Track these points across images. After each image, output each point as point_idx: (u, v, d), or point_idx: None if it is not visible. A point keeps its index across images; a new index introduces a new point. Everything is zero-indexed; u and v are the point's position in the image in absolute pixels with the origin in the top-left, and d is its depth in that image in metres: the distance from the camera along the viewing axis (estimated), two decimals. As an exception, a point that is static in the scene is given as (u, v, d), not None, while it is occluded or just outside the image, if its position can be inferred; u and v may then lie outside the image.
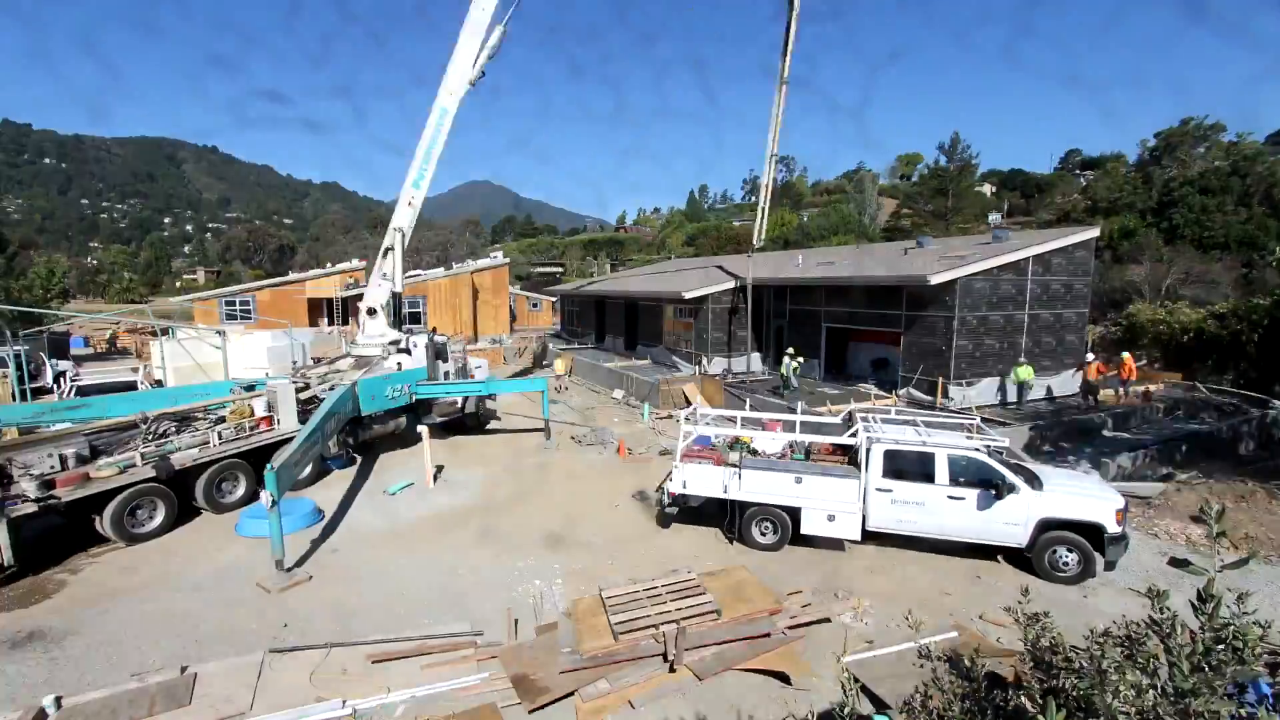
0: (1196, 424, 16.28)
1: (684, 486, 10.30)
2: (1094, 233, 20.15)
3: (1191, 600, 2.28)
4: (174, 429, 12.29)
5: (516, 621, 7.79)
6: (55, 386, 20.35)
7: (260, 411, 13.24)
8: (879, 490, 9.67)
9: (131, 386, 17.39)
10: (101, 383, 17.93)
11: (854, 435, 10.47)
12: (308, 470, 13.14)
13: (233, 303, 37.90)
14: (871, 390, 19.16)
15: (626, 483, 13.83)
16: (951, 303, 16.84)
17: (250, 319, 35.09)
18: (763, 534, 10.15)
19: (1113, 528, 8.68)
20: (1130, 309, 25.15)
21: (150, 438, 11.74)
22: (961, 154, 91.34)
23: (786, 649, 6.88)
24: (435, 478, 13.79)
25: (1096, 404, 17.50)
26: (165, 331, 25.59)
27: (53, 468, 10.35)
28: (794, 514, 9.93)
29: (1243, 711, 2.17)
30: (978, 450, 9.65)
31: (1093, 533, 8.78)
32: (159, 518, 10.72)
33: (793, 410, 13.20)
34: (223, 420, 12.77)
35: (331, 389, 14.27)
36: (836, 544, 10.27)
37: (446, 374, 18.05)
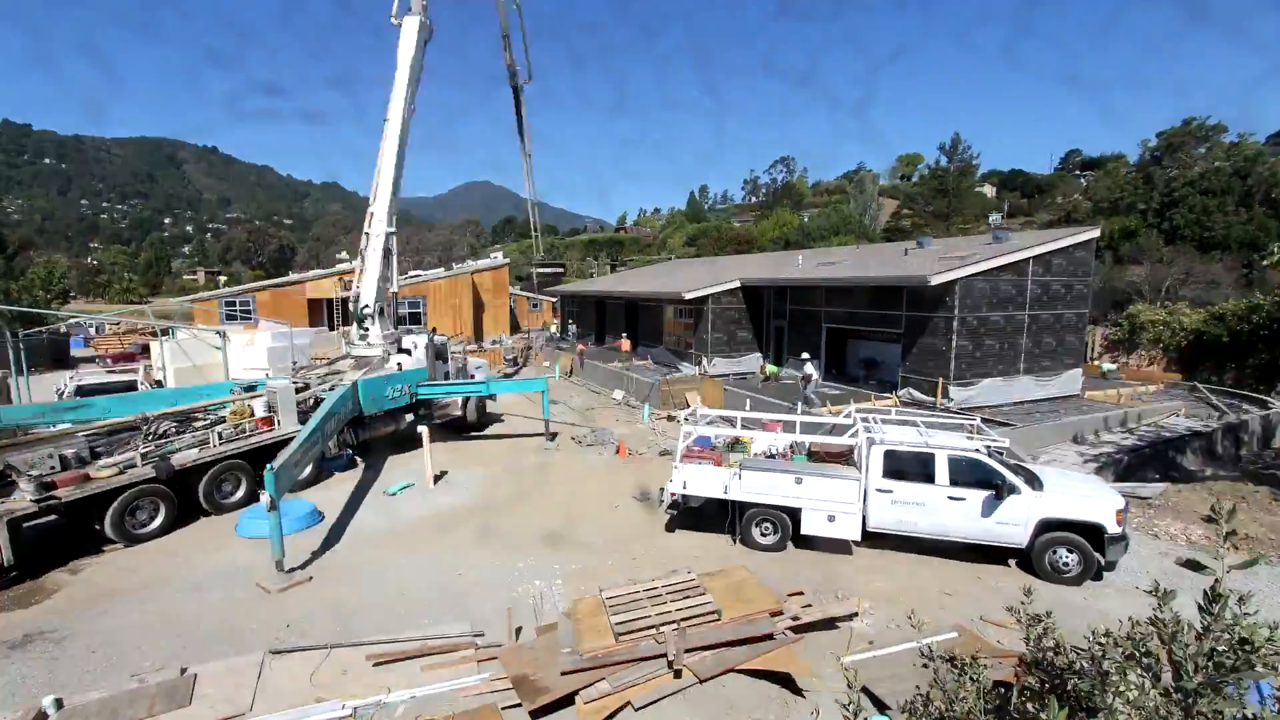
0: (1198, 424, 16.27)
1: (684, 487, 10.30)
2: (1094, 233, 20.15)
3: (1198, 601, 2.27)
4: (174, 429, 12.28)
5: (519, 629, 7.77)
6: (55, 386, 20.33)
7: (260, 412, 13.23)
8: (879, 491, 9.66)
9: (131, 387, 17.38)
10: (102, 383, 17.91)
11: (854, 436, 10.45)
12: (308, 470, 13.13)
13: (233, 303, 37.89)
14: (871, 391, 19.15)
15: (627, 483, 13.83)
16: (952, 303, 16.84)
17: (250, 319, 35.07)
18: (763, 534, 10.14)
19: (1113, 528, 8.67)
20: (1131, 309, 25.14)
21: (150, 438, 11.73)
22: (962, 154, 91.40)
23: (787, 649, 6.87)
24: (436, 479, 13.78)
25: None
26: (165, 332, 25.59)
27: (53, 468, 10.35)
28: (794, 514, 9.92)
29: (1247, 713, 2.16)
30: (978, 451, 9.63)
31: (1093, 533, 8.76)
32: (160, 519, 10.72)
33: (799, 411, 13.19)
34: (222, 421, 12.75)
35: (331, 389, 14.26)
36: (837, 545, 10.27)
37: (446, 374, 18.05)
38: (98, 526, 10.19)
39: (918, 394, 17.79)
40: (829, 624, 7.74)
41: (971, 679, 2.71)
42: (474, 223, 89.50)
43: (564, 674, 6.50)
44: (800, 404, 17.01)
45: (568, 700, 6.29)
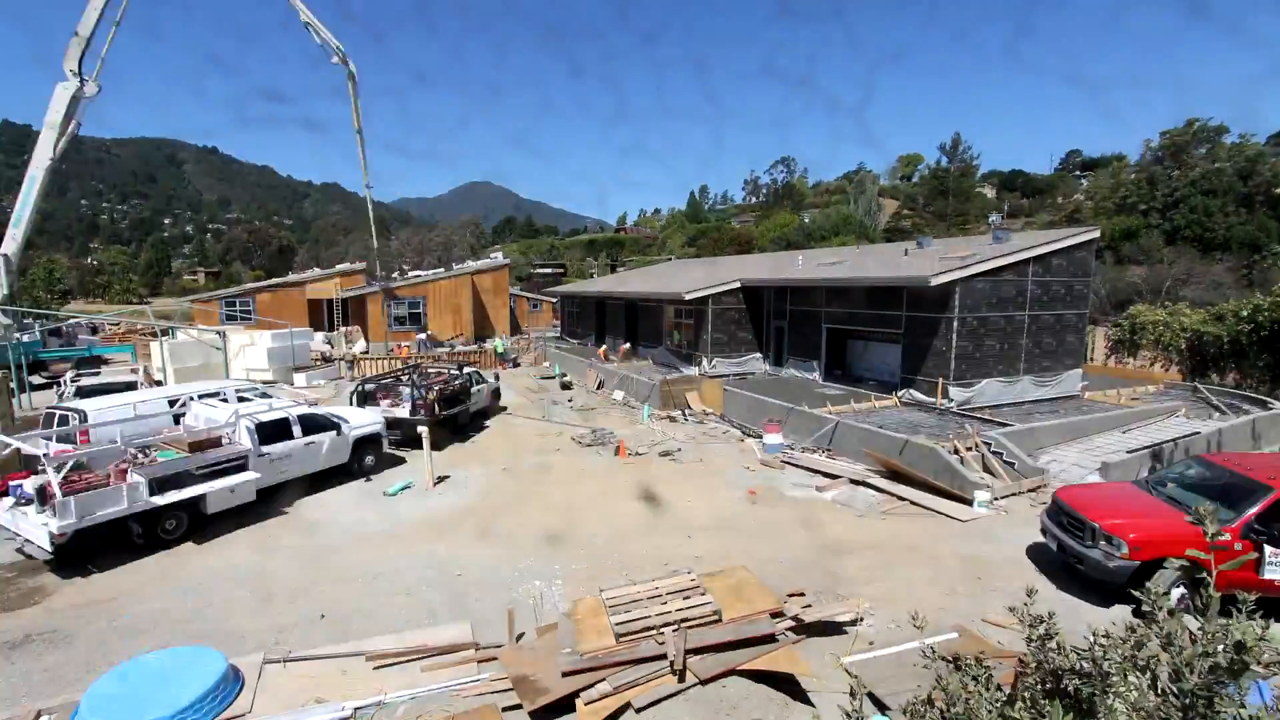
0: (1199, 425, 16.26)
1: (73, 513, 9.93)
2: (1094, 233, 20.15)
3: (1195, 601, 2.27)
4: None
5: (521, 633, 7.77)
6: (56, 385, 20.37)
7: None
8: (259, 455, 12.07)
9: (131, 387, 17.37)
10: (102, 383, 17.90)
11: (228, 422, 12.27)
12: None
13: (233, 303, 37.89)
14: (870, 392, 19.15)
15: (627, 483, 13.84)
16: (952, 303, 16.83)
17: (250, 320, 35.08)
18: (178, 526, 10.71)
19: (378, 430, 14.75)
20: (1131, 310, 25.14)
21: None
22: (962, 155, 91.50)
23: (788, 650, 6.87)
24: (436, 481, 13.78)
25: None
26: (166, 332, 25.59)
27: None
28: (199, 501, 10.85)
29: (1245, 713, 2.16)
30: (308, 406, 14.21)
31: (375, 438, 14.59)
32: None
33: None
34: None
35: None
36: (837, 544, 10.27)
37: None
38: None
39: (918, 394, 17.79)
40: (836, 629, 7.69)
41: (975, 678, 2.70)
42: (474, 223, 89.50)
43: (564, 674, 6.50)
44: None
45: (568, 701, 6.29)
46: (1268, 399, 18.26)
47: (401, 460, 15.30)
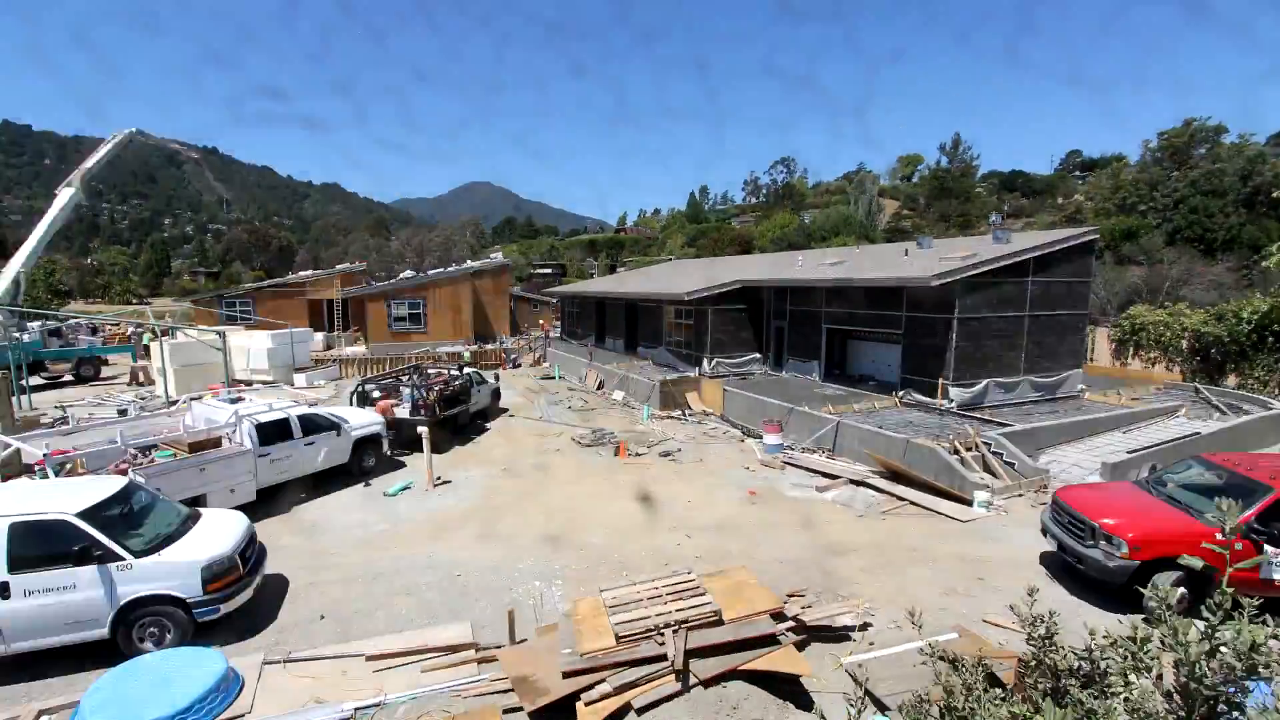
0: (1199, 425, 16.26)
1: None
2: (1094, 234, 20.15)
3: (1200, 605, 2.27)
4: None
5: (523, 639, 7.76)
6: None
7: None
8: (260, 456, 11.96)
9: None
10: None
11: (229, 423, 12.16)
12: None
13: (233, 304, 37.88)
14: (869, 393, 19.14)
15: (627, 483, 13.83)
16: (951, 304, 16.83)
17: (250, 320, 35.07)
18: None
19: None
20: (1131, 310, 25.13)
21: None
22: (962, 155, 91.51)
23: (788, 650, 6.86)
24: (436, 483, 13.77)
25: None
26: (166, 333, 25.58)
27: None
28: (199, 500, 10.44)
29: (1248, 714, 2.16)
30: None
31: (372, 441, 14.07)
32: None
33: None
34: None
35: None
36: (836, 545, 10.27)
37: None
38: None
39: (918, 395, 17.78)
40: (841, 635, 7.64)
41: (974, 678, 2.70)
42: (474, 223, 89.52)
43: (565, 675, 6.49)
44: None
45: (568, 701, 6.28)
46: (1268, 399, 18.26)
47: (401, 464, 15.22)
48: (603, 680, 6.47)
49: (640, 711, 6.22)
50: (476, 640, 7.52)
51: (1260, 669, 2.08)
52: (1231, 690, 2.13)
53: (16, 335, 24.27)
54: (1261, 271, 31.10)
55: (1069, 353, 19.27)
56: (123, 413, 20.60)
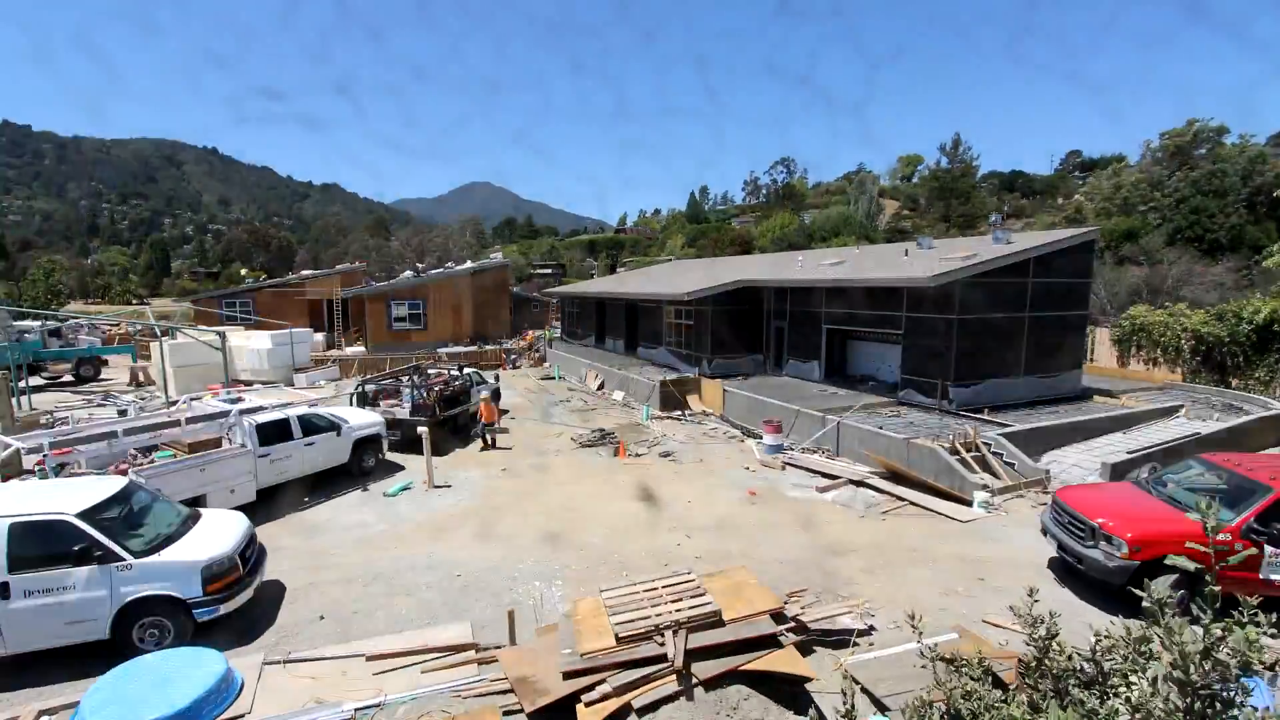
0: (1200, 425, 16.26)
1: None
2: (1094, 233, 20.14)
3: (1195, 603, 2.27)
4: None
5: (523, 635, 7.76)
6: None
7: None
8: (260, 456, 12.07)
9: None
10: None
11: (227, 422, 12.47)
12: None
13: (233, 304, 37.89)
14: (868, 394, 19.13)
15: (626, 483, 13.83)
16: (952, 304, 16.82)
17: (250, 320, 35.07)
18: None
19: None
20: (1131, 310, 25.12)
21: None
22: (963, 155, 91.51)
23: (789, 651, 6.86)
24: (435, 484, 13.77)
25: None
26: (166, 333, 25.58)
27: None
28: (199, 500, 10.47)
29: (1246, 714, 2.16)
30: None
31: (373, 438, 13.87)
32: None
33: None
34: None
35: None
36: (837, 545, 10.26)
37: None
38: None
39: (918, 395, 17.78)
40: (841, 638, 7.61)
41: (975, 679, 2.70)
42: (475, 222, 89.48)
43: (565, 675, 6.49)
44: None
45: (568, 702, 6.28)
46: (1268, 399, 18.26)
47: (400, 468, 15.09)
48: (603, 681, 6.47)
49: (640, 712, 6.22)
50: (476, 641, 7.52)
51: (1254, 667, 2.09)
52: (1229, 689, 2.13)
53: (18, 336, 24.27)
54: (1262, 272, 31.11)
55: (1069, 353, 19.26)
56: (122, 413, 20.61)
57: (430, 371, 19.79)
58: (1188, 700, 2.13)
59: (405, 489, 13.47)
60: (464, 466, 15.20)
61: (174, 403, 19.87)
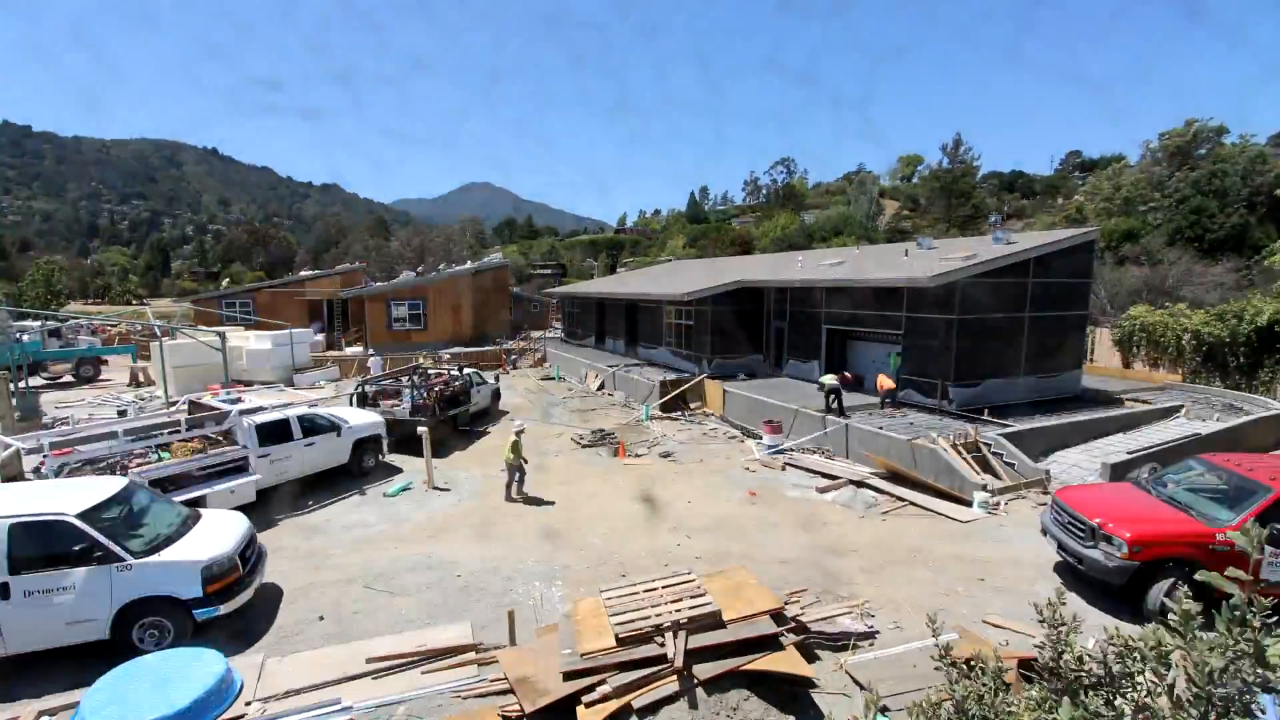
0: (1200, 426, 16.26)
1: None
2: (1094, 233, 20.14)
3: (1214, 610, 2.26)
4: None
5: (523, 636, 7.75)
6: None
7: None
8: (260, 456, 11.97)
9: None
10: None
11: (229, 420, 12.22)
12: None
13: (232, 304, 37.88)
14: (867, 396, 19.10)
15: (626, 484, 13.83)
16: (952, 304, 16.82)
17: (250, 320, 35.06)
18: None
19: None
20: (1131, 310, 25.11)
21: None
22: (963, 155, 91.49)
23: (790, 651, 6.85)
24: (434, 485, 13.76)
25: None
26: (166, 333, 25.57)
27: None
28: (198, 503, 10.25)
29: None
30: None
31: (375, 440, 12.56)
32: None
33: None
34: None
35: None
36: (837, 545, 10.25)
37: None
38: None
39: (918, 395, 17.77)
40: (841, 640, 7.57)
41: (972, 680, 2.69)
42: (475, 222, 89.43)
43: (565, 676, 6.48)
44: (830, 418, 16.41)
45: (568, 702, 6.27)
46: (1269, 400, 18.26)
47: (398, 470, 14.93)
48: (603, 682, 6.46)
49: (641, 713, 6.21)
50: (476, 641, 7.51)
51: (1273, 681, 2.07)
52: (1245, 697, 2.12)
53: (17, 336, 24.26)
54: (1262, 271, 31.11)
55: (1070, 353, 19.26)
56: (122, 413, 20.61)
57: (430, 372, 19.79)
58: (1203, 710, 2.12)
59: (405, 489, 13.46)
60: (464, 466, 15.19)
61: (173, 403, 19.86)
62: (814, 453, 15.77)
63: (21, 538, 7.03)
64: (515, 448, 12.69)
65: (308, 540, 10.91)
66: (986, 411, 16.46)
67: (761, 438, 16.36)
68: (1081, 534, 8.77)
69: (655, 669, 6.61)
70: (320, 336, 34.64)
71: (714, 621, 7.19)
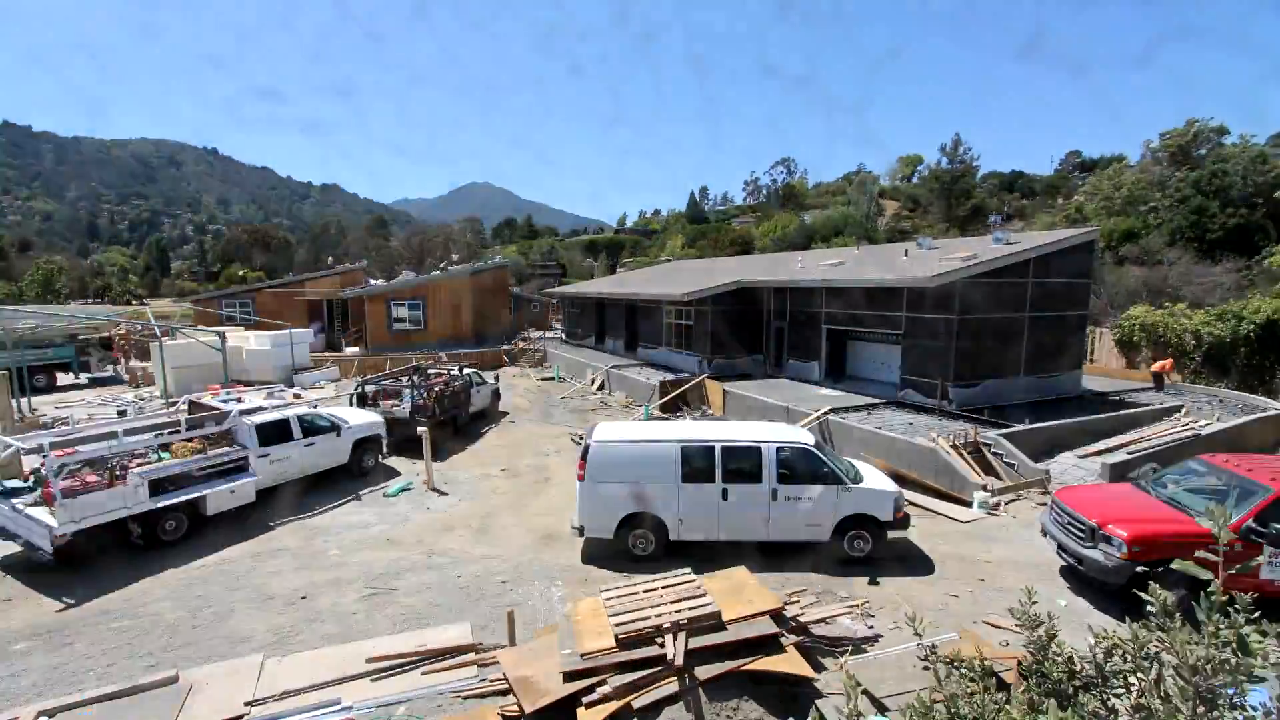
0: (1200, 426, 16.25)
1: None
2: (1093, 234, 20.15)
3: (1196, 604, 2.27)
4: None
5: (523, 636, 7.75)
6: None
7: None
8: (259, 457, 11.94)
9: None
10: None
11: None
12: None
13: (232, 304, 37.86)
14: (867, 397, 19.11)
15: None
16: (952, 304, 16.83)
17: (250, 320, 35.05)
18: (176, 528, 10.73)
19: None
20: (1131, 310, 25.12)
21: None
22: (963, 156, 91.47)
23: (790, 651, 6.85)
24: (434, 487, 13.77)
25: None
26: (166, 333, 25.56)
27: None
28: (199, 503, 10.93)
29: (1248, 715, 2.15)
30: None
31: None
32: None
33: None
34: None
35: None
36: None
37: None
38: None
39: (918, 395, 17.78)
40: (841, 642, 7.56)
41: (976, 680, 2.70)
42: (474, 222, 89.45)
43: (565, 676, 6.49)
44: None
45: (568, 702, 6.28)
46: (1269, 400, 18.26)
47: (397, 472, 14.82)
48: (603, 682, 6.46)
49: (641, 713, 6.21)
50: (476, 641, 7.51)
51: (1257, 670, 2.08)
52: (1230, 691, 2.13)
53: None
54: (1262, 271, 31.11)
55: (1069, 353, 19.27)
56: (122, 414, 20.63)
57: (430, 372, 19.79)
58: (1190, 703, 2.13)
59: (405, 490, 13.46)
60: (464, 466, 15.19)
61: (173, 402, 19.87)
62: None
63: (784, 458, 9.76)
64: None
65: (308, 540, 10.91)
66: (986, 412, 16.47)
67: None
68: (1081, 535, 8.77)
69: (655, 669, 6.61)
70: (320, 336, 34.63)
71: (714, 622, 7.19)
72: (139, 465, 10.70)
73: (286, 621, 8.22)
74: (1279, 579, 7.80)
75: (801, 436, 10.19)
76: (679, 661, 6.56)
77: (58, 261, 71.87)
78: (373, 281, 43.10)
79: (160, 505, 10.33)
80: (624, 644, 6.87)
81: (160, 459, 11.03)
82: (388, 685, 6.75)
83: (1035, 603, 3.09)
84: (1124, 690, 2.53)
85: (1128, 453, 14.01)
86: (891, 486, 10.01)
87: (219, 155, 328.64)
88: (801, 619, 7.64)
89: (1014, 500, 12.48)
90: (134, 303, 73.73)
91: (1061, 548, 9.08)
